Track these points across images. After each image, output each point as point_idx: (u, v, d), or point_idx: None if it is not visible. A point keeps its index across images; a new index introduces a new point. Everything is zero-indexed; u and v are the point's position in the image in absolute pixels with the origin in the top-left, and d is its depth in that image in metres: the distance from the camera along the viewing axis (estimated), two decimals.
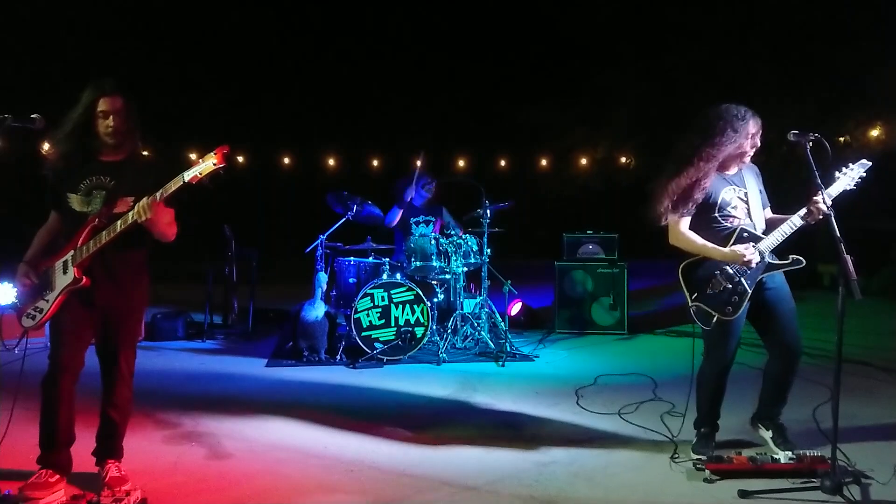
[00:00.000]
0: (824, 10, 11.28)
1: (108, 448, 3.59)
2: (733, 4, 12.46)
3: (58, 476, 3.44)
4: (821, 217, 3.56)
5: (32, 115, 3.22)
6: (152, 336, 7.45)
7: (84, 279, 3.36)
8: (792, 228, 3.68)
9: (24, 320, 3.48)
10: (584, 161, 15.23)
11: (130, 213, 3.30)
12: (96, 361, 3.57)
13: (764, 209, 3.94)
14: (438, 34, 14.82)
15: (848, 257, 3.29)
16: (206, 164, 3.28)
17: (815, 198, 3.58)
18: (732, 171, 3.89)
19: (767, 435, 3.98)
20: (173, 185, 3.29)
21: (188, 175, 3.28)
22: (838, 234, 3.38)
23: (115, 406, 3.56)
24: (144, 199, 3.27)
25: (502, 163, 15.50)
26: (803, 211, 3.64)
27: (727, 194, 3.82)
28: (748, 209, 3.85)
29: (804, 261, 3.70)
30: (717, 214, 3.81)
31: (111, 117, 3.41)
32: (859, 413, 4.60)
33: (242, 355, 6.83)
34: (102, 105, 3.40)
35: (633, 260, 7.91)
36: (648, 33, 13.30)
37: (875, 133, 11.79)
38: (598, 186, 15.13)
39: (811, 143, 3.63)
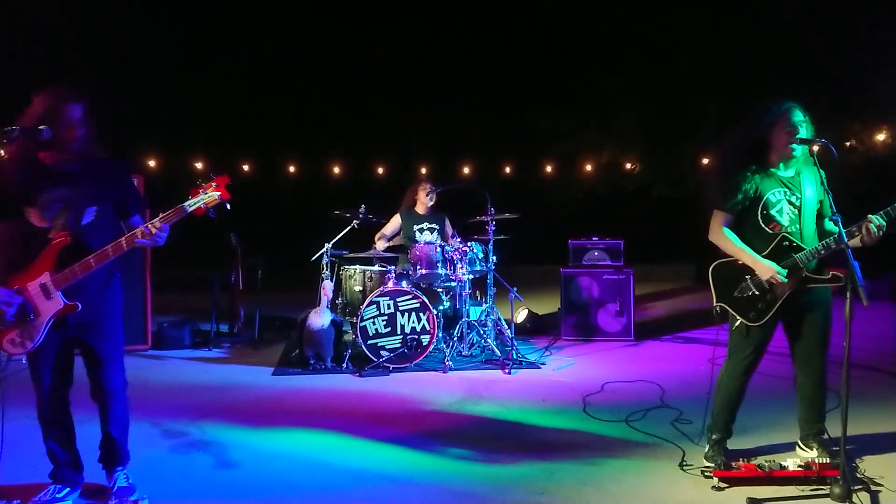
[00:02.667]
0: (829, 13, 11.29)
1: (115, 456, 3.57)
2: (738, 8, 12.48)
3: (67, 490, 3.47)
4: (872, 238, 3.44)
5: (40, 127, 3.13)
6: (159, 345, 7.45)
7: (79, 305, 3.23)
8: (837, 243, 3.46)
9: (8, 346, 3.23)
10: (589, 167, 15.23)
11: (124, 241, 3.19)
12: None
13: (824, 217, 3.76)
14: (443, 40, 14.86)
15: (856, 263, 3.27)
16: (209, 196, 3.24)
17: (867, 223, 3.44)
18: (786, 170, 3.76)
19: (812, 455, 3.85)
20: (174, 216, 3.21)
21: (191, 207, 3.22)
22: (846, 240, 3.36)
23: (113, 422, 3.50)
24: (157, 221, 3.19)
25: (507, 169, 15.51)
26: (853, 228, 3.46)
27: (774, 195, 3.69)
28: (799, 215, 3.69)
29: (843, 277, 3.48)
30: (759, 216, 3.70)
31: (76, 125, 3.25)
32: (868, 419, 4.57)
33: (249, 363, 6.83)
34: (67, 112, 3.23)
35: (639, 266, 7.89)
36: (653, 38, 13.32)
37: (881, 137, 11.77)
38: (603, 192, 15.13)
39: (818, 148, 3.61)
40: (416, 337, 6.35)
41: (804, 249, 3.60)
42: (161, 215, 3.24)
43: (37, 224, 3.24)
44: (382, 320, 6.35)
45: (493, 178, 14.92)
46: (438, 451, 4.24)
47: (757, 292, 3.67)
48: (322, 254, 6.84)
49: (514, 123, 14.50)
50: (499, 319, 6.98)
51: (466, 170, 15.01)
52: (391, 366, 6.30)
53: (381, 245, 7.20)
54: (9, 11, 10.85)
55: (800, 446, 3.98)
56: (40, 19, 11.48)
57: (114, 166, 3.45)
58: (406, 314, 6.38)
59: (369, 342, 6.32)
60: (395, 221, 7.44)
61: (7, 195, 3.25)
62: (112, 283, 3.45)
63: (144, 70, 13.11)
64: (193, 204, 3.23)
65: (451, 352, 6.55)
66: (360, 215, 7.03)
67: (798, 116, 3.64)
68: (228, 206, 3.30)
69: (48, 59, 11.19)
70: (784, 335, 3.87)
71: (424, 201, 7.36)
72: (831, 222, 3.58)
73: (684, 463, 3.92)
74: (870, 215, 3.45)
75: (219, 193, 3.25)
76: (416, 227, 7.28)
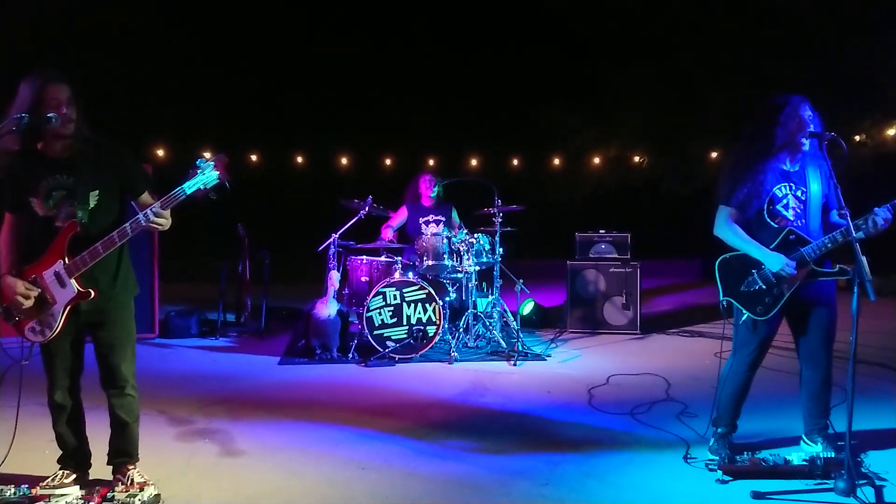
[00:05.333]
0: (839, 8, 11.21)
1: (126, 448, 3.53)
2: (747, 4, 12.41)
3: (75, 476, 3.49)
4: (878, 230, 3.41)
5: (49, 115, 3.10)
6: (166, 333, 7.50)
7: (93, 292, 3.22)
8: (844, 237, 3.45)
9: (30, 335, 3.25)
10: (596, 160, 15.20)
11: (128, 226, 3.17)
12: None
13: (831, 210, 3.74)
14: (451, 33, 14.82)
15: (864, 258, 3.25)
16: (208, 177, 3.18)
17: (873, 216, 3.42)
18: (791, 165, 3.73)
19: (816, 450, 3.81)
20: (173, 200, 3.18)
21: (190, 189, 3.17)
22: (854, 235, 3.34)
23: (124, 410, 3.47)
24: (157, 205, 3.17)
25: (515, 162, 15.49)
26: (859, 222, 3.44)
27: (780, 191, 3.68)
28: (804, 209, 3.68)
29: (850, 271, 3.46)
30: (765, 211, 3.68)
31: (63, 106, 3.16)
32: (874, 415, 4.55)
33: (255, 353, 6.87)
34: (53, 93, 3.15)
35: (645, 259, 7.88)
36: (662, 33, 13.26)
37: (892, 132, 11.70)
38: (610, 187, 15.09)
39: (827, 143, 3.59)
40: (422, 328, 6.36)
41: (810, 243, 3.59)
42: (160, 200, 3.20)
43: (40, 213, 3.24)
44: (389, 311, 6.37)
45: (500, 172, 14.91)
46: (443, 442, 4.25)
47: (764, 286, 3.67)
48: (329, 244, 6.85)
49: (522, 117, 14.47)
50: (505, 311, 6.99)
51: (474, 162, 15.00)
52: (397, 356, 6.32)
53: (388, 234, 7.21)
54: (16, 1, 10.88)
55: (804, 441, 3.97)
56: (48, 11, 11.51)
57: (111, 148, 3.38)
58: (412, 305, 6.39)
59: (375, 333, 6.34)
60: (402, 214, 7.44)
61: (11, 186, 3.24)
62: (122, 270, 3.44)
63: (154, 61, 13.13)
64: (192, 186, 3.18)
65: (456, 343, 6.56)
66: (367, 206, 7.03)
67: (807, 111, 3.63)
68: (229, 186, 3.25)
69: (56, 51, 11.22)
70: (789, 330, 3.87)
71: (427, 194, 7.36)
72: (839, 216, 3.56)
73: (689, 456, 3.92)
74: (875, 208, 3.44)
75: (217, 173, 3.19)
76: (422, 220, 7.28)
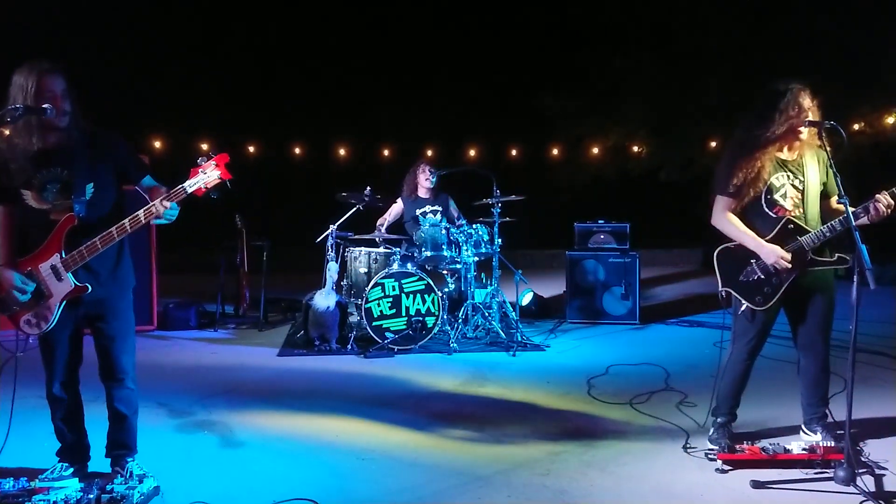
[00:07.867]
0: None
1: (125, 440, 3.52)
2: None
3: (74, 468, 3.48)
4: (880, 216, 3.41)
5: (44, 105, 3.07)
6: (164, 326, 7.50)
7: (89, 287, 3.20)
8: (843, 225, 3.44)
9: (25, 327, 3.21)
10: (596, 150, 15.17)
11: (127, 223, 3.14)
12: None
13: (830, 198, 3.72)
14: (449, 22, 14.78)
15: (863, 246, 3.24)
16: (209, 176, 3.17)
17: (878, 195, 3.41)
18: (789, 154, 3.71)
19: (816, 438, 3.80)
20: (175, 197, 3.15)
21: (191, 188, 3.16)
22: (854, 223, 3.33)
23: (122, 401, 3.46)
24: (158, 203, 3.14)
25: (514, 152, 15.47)
26: (859, 210, 3.44)
27: (777, 180, 3.66)
28: (803, 199, 3.67)
29: (849, 259, 3.46)
30: (763, 200, 3.67)
31: (58, 97, 3.14)
32: (874, 403, 4.56)
33: (254, 344, 6.86)
34: (48, 86, 3.11)
35: (644, 249, 7.86)
36: (661, 20, 13.20)
37: (891, 120, 11.67)
38: (610, 176, 15.06)
39: (826, 131, 3.57)
40: (421, 319, 6.36)
41: (809, 232, 3.58)
42: (161, 198, 3.17)
43: (35, 206, 3.21)
44: (387, 302, 6.36)
45: (499, 162, 14.88)
46: (443, 433, 4.25)
47: (762, 276, 3.66)
48: (327, 235, 6.84)
49: (520, 106, 14.44)
50: (504, 302, 6.98)
51: (472, 152, 14.97)
52: (396, 347, 6.31)
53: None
54: None
55: (804, 430, 3.97)
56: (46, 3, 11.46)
57: (105, 137, 3.36)
58: (411, 296, 6.37)
59: (374, 324, 6.33)
60: (397, 207, 7.39)
61: (5, 180, 3.20)
62: (122, 262, 3.43)
63: (151, 51, 13.08)
64: (193, 185, 3.17)
65: (455, 334, 6.55)
66: (366, 197, 7.01)
67: (806, 98, 3.60)
68: (230, 185, 3.25)
69: (52, 40, 11.16)
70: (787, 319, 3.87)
71: (425, 185, 7.31)
72: (839, 204, 3.54)
73: (688, 445, 3.92)
74: (877, 195, 3.42)
75: (219, 173, 3.18)
76: (419, 211, 7.25)
